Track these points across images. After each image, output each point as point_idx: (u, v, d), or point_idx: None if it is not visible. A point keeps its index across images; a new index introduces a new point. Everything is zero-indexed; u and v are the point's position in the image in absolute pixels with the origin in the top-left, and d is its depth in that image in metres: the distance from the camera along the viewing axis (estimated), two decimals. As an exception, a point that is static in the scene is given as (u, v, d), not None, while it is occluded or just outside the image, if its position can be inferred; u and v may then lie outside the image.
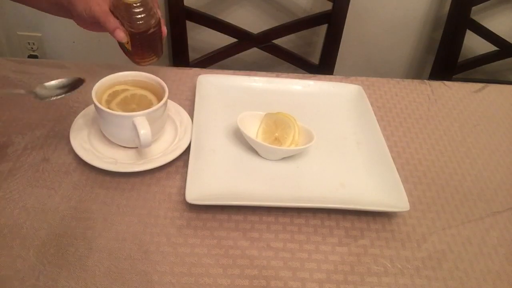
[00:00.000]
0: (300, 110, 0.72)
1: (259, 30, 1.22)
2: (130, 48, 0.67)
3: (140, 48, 0.67)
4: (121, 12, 0.63)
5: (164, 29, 0.68)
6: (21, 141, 0.65)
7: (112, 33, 0.64)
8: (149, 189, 0.61)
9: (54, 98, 0.61)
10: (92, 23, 0.66)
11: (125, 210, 0.58)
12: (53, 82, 0.63)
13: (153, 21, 0.65)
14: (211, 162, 0.65)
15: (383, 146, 0.68)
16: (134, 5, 0.63)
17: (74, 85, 0.63)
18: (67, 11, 0.66)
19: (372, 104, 0.77)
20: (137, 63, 0.68)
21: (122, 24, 0.64)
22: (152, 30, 0.65)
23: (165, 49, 1.48)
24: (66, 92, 0.62)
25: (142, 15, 0.64)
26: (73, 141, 0.63)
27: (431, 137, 0.76)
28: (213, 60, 1.23)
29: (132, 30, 0.64)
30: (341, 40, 1.23)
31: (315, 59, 1.31)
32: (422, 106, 0.82)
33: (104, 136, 0.65)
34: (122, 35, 0.64)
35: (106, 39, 1.46)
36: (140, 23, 0.64)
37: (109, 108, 0.62)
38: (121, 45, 0.68)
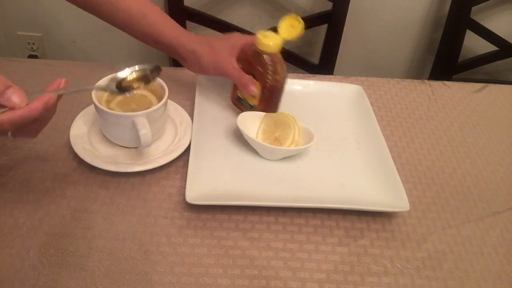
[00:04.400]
0: (300, 110, 0.72)
1: (259, 30, 1.22)
2: (255, 103, 0.69)
3: (267, 101, 0.69)
4: (261, 66, 0.66)
5: None
6: (21, 141, 0.65)
7: (244, 87, 0.67)
8: (149, 189, 0.61)
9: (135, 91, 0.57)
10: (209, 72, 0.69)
11: (125, 210, 0.58)
12: (126, 73, 0.58)
13: (285, 76, 0.68)
14: (211, 162, 0.65)
15: (383, 146, 0.68)
16: (274, 58, 0.66)
17: (152, 74, 0.59)
18: (177, 56, 0.70)
19: (372, 104, 0.77)
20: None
21: (256, 78, 0.67)
22: (282, 84, 0.69)
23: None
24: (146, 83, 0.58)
25: (281, 69, 0.67)
26: (73, 141, 0.63)
27: (431, 137, 0.76)
28: (213, 60, 1.22)
29: (268, 83, 0.66)
30: (341, 40, 1.23)
31: (315, 59, 1.31)
32: (422, 106, 0.82)
33: (104, 136, 0.65)
34: (255, 90, 0.67)
35: (106, 39, 1.46)
36: (278, 77, 0.67)
37: (109, 108, 0.62)
38: (237, 99, 0.71)
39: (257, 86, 0.67)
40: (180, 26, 0.71)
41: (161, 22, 0.70)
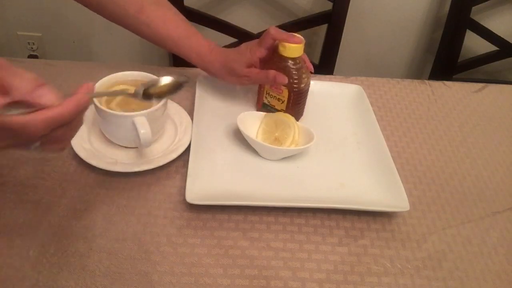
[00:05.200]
0: (300, 110, 0.72)
1: (259, 30, 1.22)
2: (283, 108, 0.70)
3: (294, 106, 0.70)
4: (286, 71, 0.66)
5: (310, 66, 0.70)
6: (21, 141, 0.65)
7: (273, 82, 0.67)
8: (149, 189, 0.61)
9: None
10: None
11: (125, 210, 0.58)
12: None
13: (309, 79, 0.69)
14: (211, 162, 0.65)
15: (383, 146, 0.68)
16: (298, 62, 0.66)
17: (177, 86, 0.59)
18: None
19: (372, 104, 0.77)
20: None
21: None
22: (307, 87, 0.69)
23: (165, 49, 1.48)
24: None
25: (305, 72, 0.68)
26: (73, 141, 0.63)
27: (431, 137, 0.76)
28: (213, 60, 1.22)
29: (295, 88, 0.67)
30: (341, 40, 1.23)
31: (315, 59, 1.31)
32: (422, 106, 0.82)
33: (104, 136, 0.65)
34: (285, 79, 0.66)
35: (106, 38, 1.46)
36: (303, 80, 0.67)
37: (109, 108, 0.62)
38: (263, 105, 0.72)
39: (285, 79, 0.67)
40: (198, 38, 0.72)
41: (180, 41, 0.71)
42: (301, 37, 0.66)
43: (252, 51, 0.68)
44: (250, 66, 0.68)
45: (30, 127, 0.38)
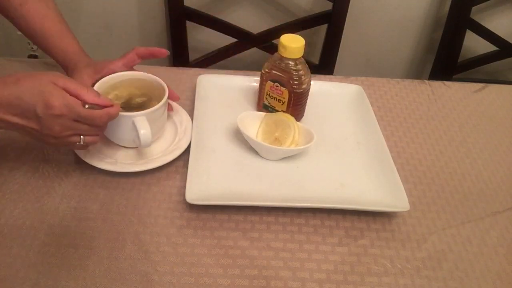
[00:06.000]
0: (300, 110, 0.72)
1: (259, 30, 1.22)
2: (283, 109, 0.70)
3: (295, 107, 0.70)
4: (286, 72, 0.67)
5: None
6: (21, 140, 0.65)
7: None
8: (149, 189, 0.61)
9: None
10: None
11: (125, 210, 0.58)
12: None
13: (309, 79, 0.69)
14: (211, 162, 0.65)
15: (383, 146, 0.68)
16: (298, 63, 0.66)
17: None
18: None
19: (372, 104, 0.77)
20: None
21: (283, 85, 0.67)
22: (308, 88, 0.69)
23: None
24: None
25: (306, 72, 0.68)
26: (73, 141, 0.63)
27: (431, 137, 0.76)
28: (213, 60, 1.22)
29: (295, 88, 0.67)
30: (341, 40, 1.23)
31: (315, 59, 1.31)
32: (422, 106, 0.82)
33: (104, 136, 0.65)
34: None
35: (106, 38, 1.46)
36: (304, 81, 0.67)
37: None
38: (264, 106, 0.72)
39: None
40: (71, 41, 0.70)
41: (50, 39, 0.69)
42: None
43: (114, 64, 0.66)
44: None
45: (100, 117, 0.54)
